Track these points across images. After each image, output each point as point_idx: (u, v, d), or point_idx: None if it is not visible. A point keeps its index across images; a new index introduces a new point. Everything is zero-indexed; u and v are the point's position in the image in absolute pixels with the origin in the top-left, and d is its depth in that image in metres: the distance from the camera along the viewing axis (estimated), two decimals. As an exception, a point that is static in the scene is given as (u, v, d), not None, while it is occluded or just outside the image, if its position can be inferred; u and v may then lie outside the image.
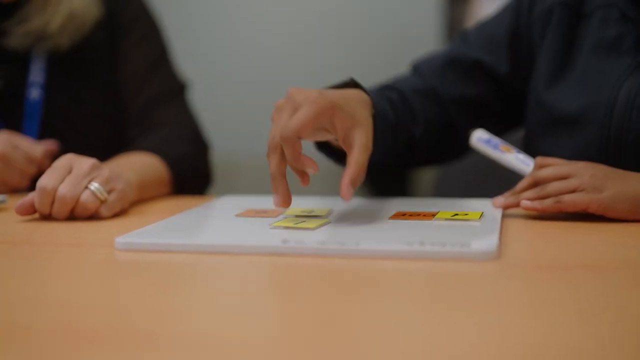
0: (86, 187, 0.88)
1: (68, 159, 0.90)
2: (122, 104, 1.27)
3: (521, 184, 0.86)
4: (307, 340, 0.46)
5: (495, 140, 0.99)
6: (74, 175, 0.88)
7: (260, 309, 0.53)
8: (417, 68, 1.15)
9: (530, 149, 1.06)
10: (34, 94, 1.21)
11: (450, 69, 1.11)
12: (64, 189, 0.87)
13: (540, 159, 0.88)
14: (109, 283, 0.62)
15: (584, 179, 0.81)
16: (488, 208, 0.86)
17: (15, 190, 1.12)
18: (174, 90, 1.30)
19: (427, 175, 1.87)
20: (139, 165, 1.09)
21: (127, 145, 1.23)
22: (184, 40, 1.91)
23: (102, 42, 1.26)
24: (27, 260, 0.71)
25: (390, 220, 0.80)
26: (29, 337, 0.47)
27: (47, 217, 0.89)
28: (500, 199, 0.87)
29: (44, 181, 0.87)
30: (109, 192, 0.90)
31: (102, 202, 0.89)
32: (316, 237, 0.70)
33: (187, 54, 1.70)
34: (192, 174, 1.22)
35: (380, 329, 0.48)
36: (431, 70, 1.12)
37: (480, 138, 1.00)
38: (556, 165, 0.85)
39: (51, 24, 1.19)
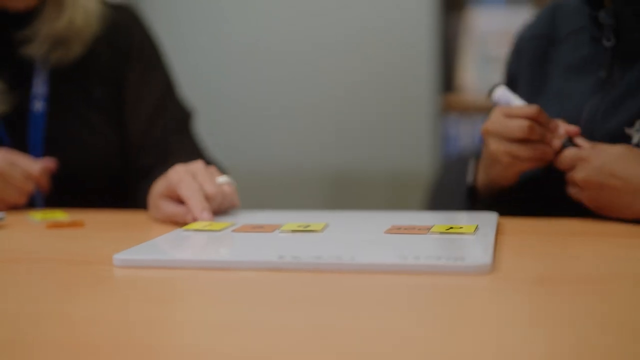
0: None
1: (181, 171, 0.97)
2: (132, 134, 1.27)
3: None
4: (303, 355, 0.46)
5: (517, 103, 0.96)
6: (206, 174, 0.96)
7: (257, 324, 0.53)
8: None
9: None
10: (37, 106, 1.22)
11: None
12: (210, 189, 0.94)
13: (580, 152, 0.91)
14: (107, 300, 0.62)
15: (589, 193, 0.88)
16: (483, 221, 0.86)
17: (13, 207, 1.13)
18: (185, 119, 1.31)
19: (420, 189, 1.88)
20: None
21: (144, 172, 1.22)
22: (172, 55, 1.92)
23: (105, 62, 1.27)
24: (25, 276, 0.71)
25: (386, 235, 0.80)
26: (27, 353, 0.48)
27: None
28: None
29: (187, 192, 0.93)
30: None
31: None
32: (312, 251, 0.71)
33: (178, 70, 1.70)
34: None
35: (375, 342, 0.48)
36: None
37: (500, 97, 0.97)
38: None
39: (75, 22, 1.21)
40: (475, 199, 1.03)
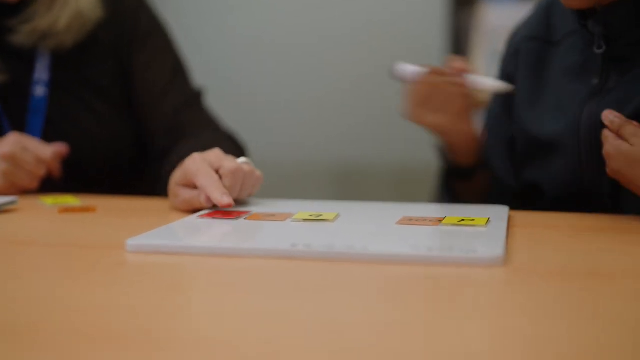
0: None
1: (197, 159, 0.95)
2: (142, 116, 1.28)
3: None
4: (314, 344, 0.47)
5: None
6: (220, 156, 0.95)
7: (269, 312, 0.54)
8: None
9: (518, 172, 1.08)
10: (39, 91, 1.22)
11: None
12: (231, 165, 0.93)
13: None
14: (119, 285, 0.63)
15: (620, 160, 0.85)
16: (494, 214, 0.87)
17: (24, 192, 1.13)
18: (195, 96, 1.32)
19: (428, 183, 1.88)
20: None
21: (161, 154, 1.22)
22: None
23: (109, 47, 1.27)
24: (38, 261, 0.72)
25: (397, 225, 0.80)
26: (38, 337, 0.48)
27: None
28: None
29: (204, 181, 0.91)
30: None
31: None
32: (324, 241, 0.71)
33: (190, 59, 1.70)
34: None
35: (386, 332, 0.49)
36: None
37: (404, 70, 1.03)
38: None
39: (58, 23, 1.20)
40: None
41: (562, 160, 0.99)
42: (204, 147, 1.17)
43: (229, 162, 0.94)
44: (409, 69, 1.02)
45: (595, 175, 0.95)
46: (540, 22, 1.09)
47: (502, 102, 1.14)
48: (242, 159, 0.98)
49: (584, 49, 0.99)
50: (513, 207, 0.94)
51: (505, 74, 1.13)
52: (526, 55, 1.08)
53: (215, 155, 0.96)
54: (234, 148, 1.24)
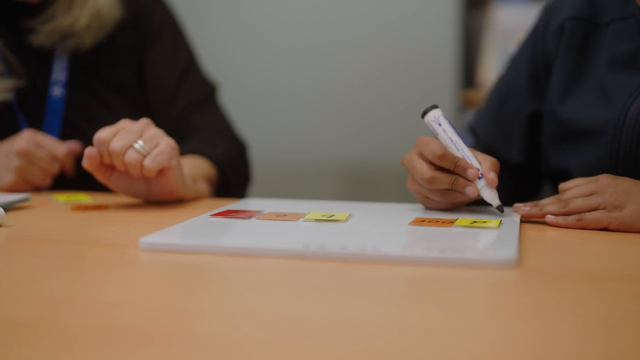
0: (130, 146, 0.95)
1: (124, 121, 0.98)
2: (152, 111, 1.29)
3: (546, 200, 0.88)
4: (327, 345, 0.47)
5: (442, 137, 0.90)
6: (125, 131, 0.95)
7: (282, 312, 0.54)
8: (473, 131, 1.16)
9: (543, 159, 1.07)
10: (56, 92, 1.23)
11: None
12: (115, 144, 0.94)
13: (562, 185, 0.90)
14: (132, 283, 0.63)
15: (605, 197, 0.83)
16: (506, 216, 0.86)
17: (37, 189, 1.13)
18: (206, 94, 1.32)
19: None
20: (187, 162, 1.12)
21: None
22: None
23: (127, 46, 1.28)
24: (49, 258, 0.72)
25: (410, 226, 0.80)
26: (50, 334, 0.48)
27: (107, 171, 0.99)
28: (523, 208, 0.88)
29: (99, 134, 0.95)
30: (155, 147, 0.96)
31: (145, 156, 0.95)
32: (337, 241, 0.71)
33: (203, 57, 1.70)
34: (235, 172, 1.25)
35: (399, 334, 0.48)
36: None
37: (432, 121, 0.92)
38: (579, 186, 0.87)
39: (77, 23, 1.21)
40: None
41: (596, 150, 0.96)
42: (198, 149, 1.20)
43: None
44: (437, 120, 0.90)
45: (631, 171, 0.92)
46: (584, 1, 1.03)
47: (530, 77, 1.08)
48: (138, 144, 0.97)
49: (637, 37, 0.96)
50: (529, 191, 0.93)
51: (538, 52, 1.08)
52: (571, 35, 1.02)
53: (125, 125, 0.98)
54: (231, 147, 1.28)
